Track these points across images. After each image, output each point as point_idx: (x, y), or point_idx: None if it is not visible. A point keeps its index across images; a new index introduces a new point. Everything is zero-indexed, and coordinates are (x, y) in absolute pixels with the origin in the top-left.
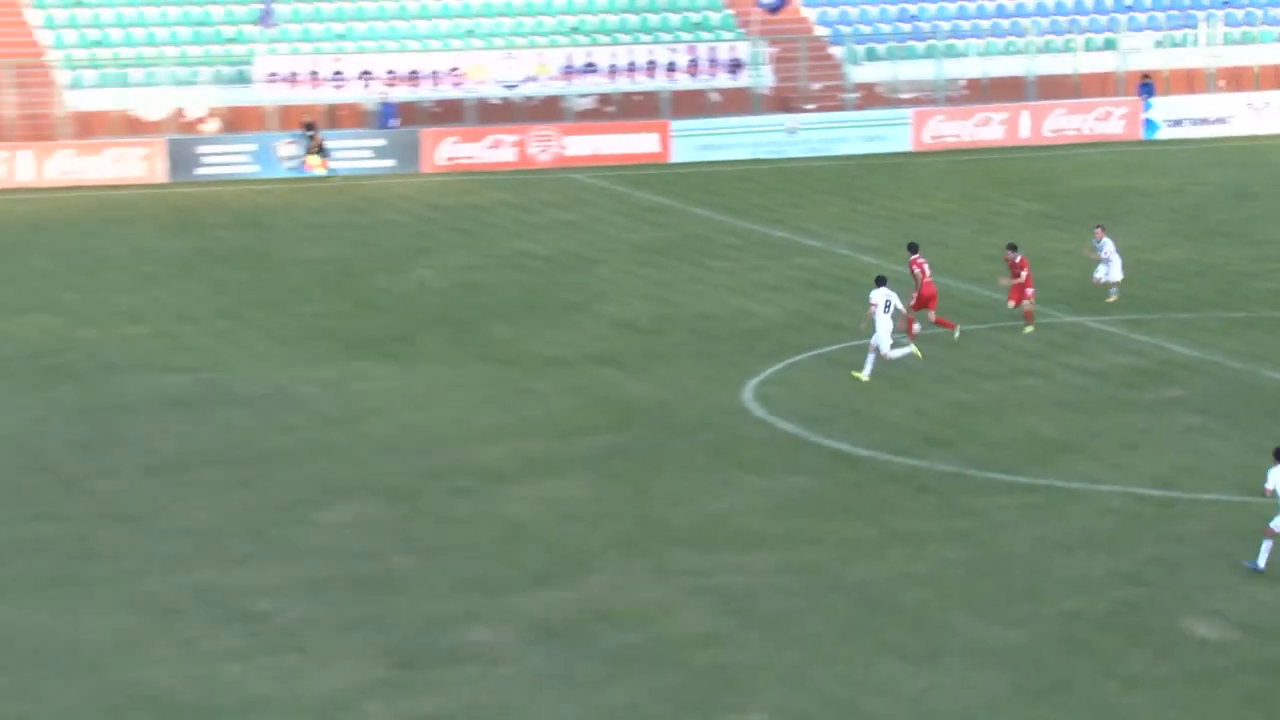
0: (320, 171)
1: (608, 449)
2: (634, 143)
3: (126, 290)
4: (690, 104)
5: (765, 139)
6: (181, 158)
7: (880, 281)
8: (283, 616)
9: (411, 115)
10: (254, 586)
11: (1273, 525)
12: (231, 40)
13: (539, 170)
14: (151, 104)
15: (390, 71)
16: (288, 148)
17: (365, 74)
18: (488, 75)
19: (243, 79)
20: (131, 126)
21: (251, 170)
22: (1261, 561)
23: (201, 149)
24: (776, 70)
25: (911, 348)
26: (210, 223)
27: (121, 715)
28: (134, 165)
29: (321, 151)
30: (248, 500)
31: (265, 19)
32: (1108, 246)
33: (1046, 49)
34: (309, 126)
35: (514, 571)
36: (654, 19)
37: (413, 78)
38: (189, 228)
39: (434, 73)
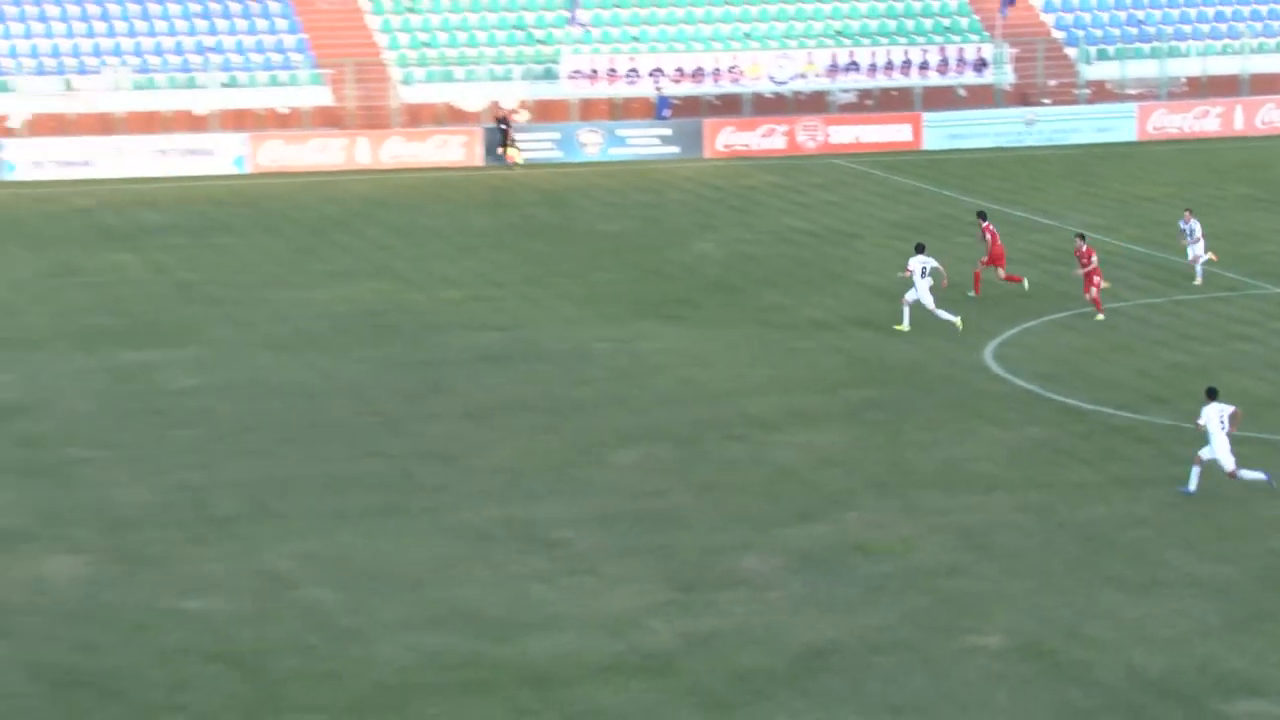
0: (519, 161)
1: (863, 402)
2: (890, 132)
3: (447, 259)
4: (940, 98)
5: (1006, 129)
6: (496, 144)
7: (919, 249)
8: (579, 544)
9: (695, 107)
10: (555, 518)
11: (1200, 454)
12: (541, 42)
13: (806, 156)
14: (471, 97)
15: (678, 69)
16: (590, 135)
17: (656, 71)
18: (762, 72)
19: (550, 75)
20: (454, 116)
21: (556, 155)
22: (1192, 485)
23: (515, 137)
24: (1017, 68)
25: (955, 318)
26: (520, 201)
27: (441, 626)
28: (455, 150)
29: (511, 144)
30: (550, 443)
31: (573, 20)
32: (1196, 229)
33: (1260, 49)
34: (502, 121)
35: (780, 508)
36: (909, 23)
37: (697, 74)
38: (502, 205)
39: (715, 70)
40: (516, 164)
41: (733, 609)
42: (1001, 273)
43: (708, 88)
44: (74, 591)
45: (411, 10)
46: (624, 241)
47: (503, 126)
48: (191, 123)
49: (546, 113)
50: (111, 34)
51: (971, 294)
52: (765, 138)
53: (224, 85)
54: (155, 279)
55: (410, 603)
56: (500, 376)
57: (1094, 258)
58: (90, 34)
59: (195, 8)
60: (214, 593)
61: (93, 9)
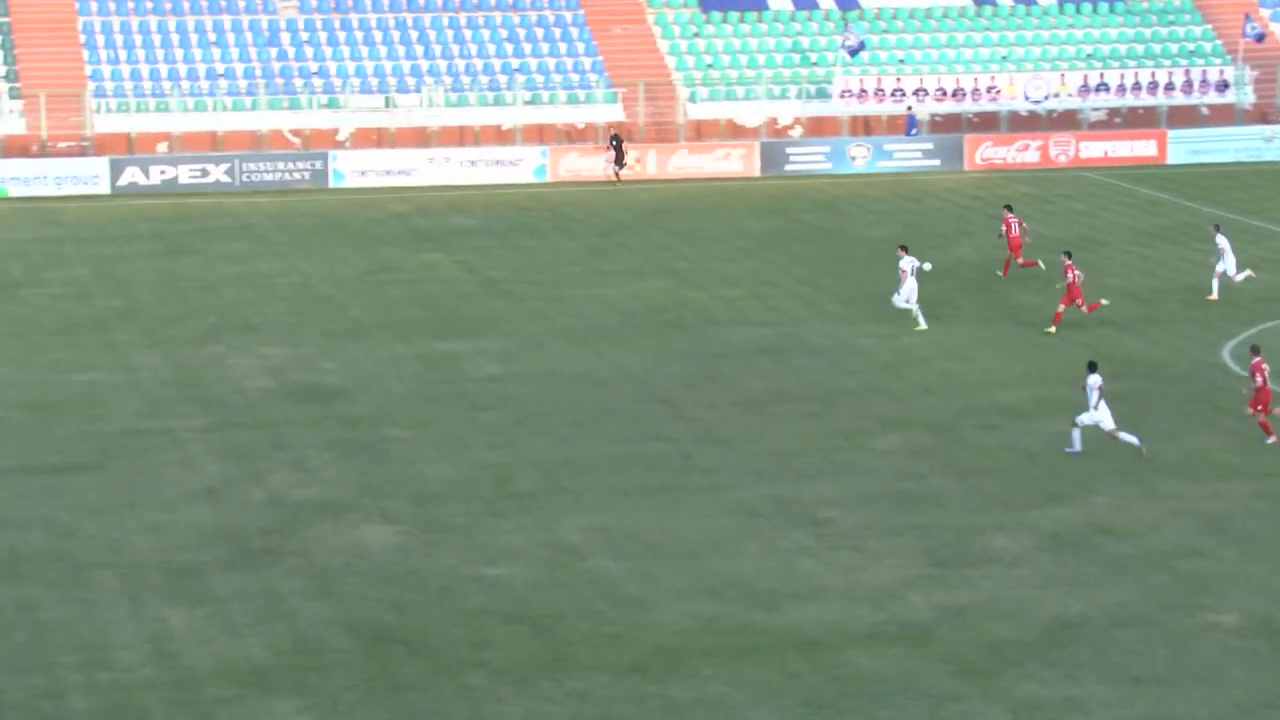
0: (622, 177)
1: (1109, 395)
2: (1136, 148)
3: (725, 260)
4: (1183, 116)
5: (1246, 145)
6: (772, 157)
7: (904, 249)
8: (843, 522)
9: (955, 124)
10: (821, 497)
11: (1079, 419)
12: (814, 64)
13: (1058, 169)
14: (749, 114)
15: (939, 89)
16: (857, 150)
17: (919, 91)
18: (1018, 92)
19: (822, 94)
20: (734, 132)
21: (826, 168)
22: (1077, 446)
23: (789, 150)
24: (1256, 89)
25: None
26: (793, 208)
27: (716, 596)
28: (735, 163)
29: (622, 162)
30: (817, 429)
31: (852, 49)
32: (1223, 243)
33: None
34: (614, 139)
35: (1030, 492)
36: (1156, 47)
37: (957, 94)
38: (776, 212)
39: (974, 89)
40: (620, 180)
41: (985, 584)
42: (1020, 260)
43: (968, 106)
44: (387, 557)
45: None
46: (888, 246)
47: (613, 145)
48: (499, 136)
49: (819, 128)
50: (429, 56)
51: (999, 273)
52: (1020, 152)
53: (528, 103)
54: (464, 277)
55: (688, 573)
56: (772, 368)
57: (1073, 274)
58: (410, 56)
59: (503, 33)
60: (512, 561)
61: (412, 34)
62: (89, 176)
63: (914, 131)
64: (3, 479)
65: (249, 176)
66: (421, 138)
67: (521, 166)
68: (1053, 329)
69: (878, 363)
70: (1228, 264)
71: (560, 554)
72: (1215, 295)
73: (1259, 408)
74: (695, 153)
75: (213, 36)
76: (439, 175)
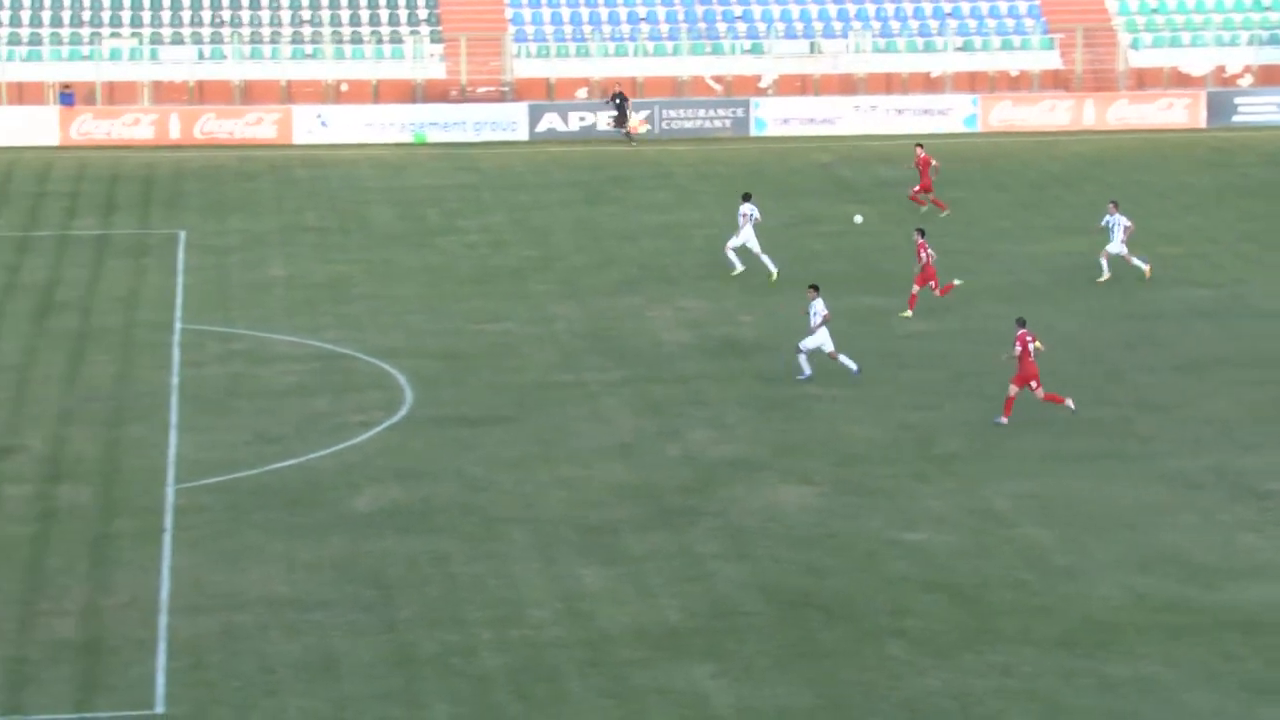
0: (640, 131)
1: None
2: None
3: (1166, 216)
4: None
5: None
6: (1219, 107)
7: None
8: None
9: None
10: (1266, 469)
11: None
12: (1267, 9)
13: None
14: (1196, 61)
15: None
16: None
17: None
18: None
19: (1275, 41)
20: (1178, 80)
21: (1278, 119)
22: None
23: (1238, 100)
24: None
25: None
26: (1240, 162)
27: (1149, 570)
28: (1178, 113)
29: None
30: (1259, 397)
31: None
32: (1113, 219)
33: None
34: (617, 96)
35: None
36: None
37: None
38: (1221, 165)
39: None
40: (637, 134)
41: None
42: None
43: None
44: (804, 519)
45: None
46: None
47: (618, 101)
48: (927, 84)
49: (1271, 77)
50: (856, 0)
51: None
52: None
53: (959, 49)
54: (889, 230)
55: (1121, 545)
56: (1212, 331)
57: (925, 253)
58: (837, 0)
59: None
60: (935, 526)
61: None
62: (507, 122)
63: None
64: (417, 429)
65: (668, 124)
66: (846, 85)
67: (951, 115)
68: (908, 313)
69: None
70: (1114, 242)
71: (985, 520)
72: (1106, 275)
73: (1019, 380)
74: (1136, 102)
75: None
76: (864, 124)
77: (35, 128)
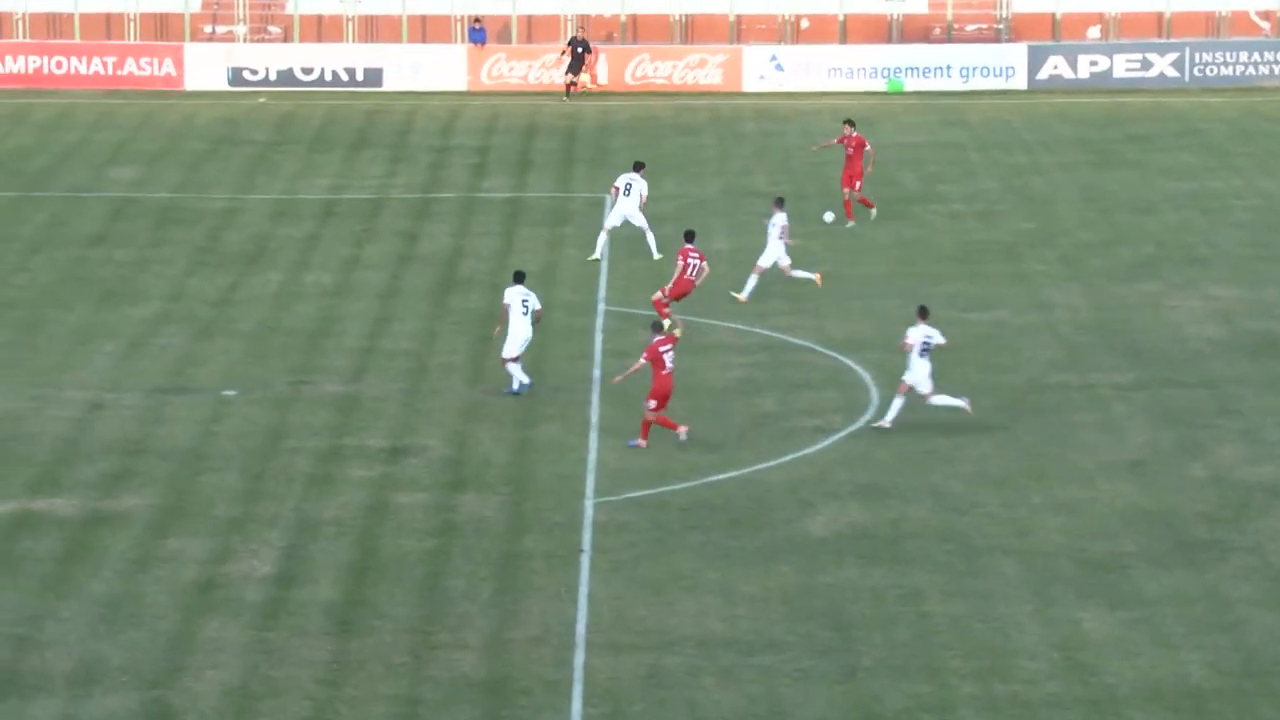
0: (589, 87)
1: None
2: None
3: None
4: None
5: None
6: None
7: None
8: None
9: None
10: None
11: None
12: None
13: None
14: None
15: None
16: None
17: None
18: None
19: None
20: None
21: None
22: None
23: None
24: None
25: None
26: None
27: None
28: None
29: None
30: None
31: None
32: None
33: None
34: (576, 41)
35: None
36: None
37: None
38: None
39: None
40: (586, 89)
41: None
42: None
43: None
44: None
45: None
46: None
47: (579, 50)
48: None
49: None
50: None
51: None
52: None
53: None
54: None
55: None
56: None
57: (683, 261)
58: None
59: None
60: None
61: None
62: (1002, 67)
63: None
64: (883, 437)
65: (1202, 70)
66: None
67: None
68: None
69: None
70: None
71: None
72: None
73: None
74: None
75: None
76: None
77: (440, 69)
